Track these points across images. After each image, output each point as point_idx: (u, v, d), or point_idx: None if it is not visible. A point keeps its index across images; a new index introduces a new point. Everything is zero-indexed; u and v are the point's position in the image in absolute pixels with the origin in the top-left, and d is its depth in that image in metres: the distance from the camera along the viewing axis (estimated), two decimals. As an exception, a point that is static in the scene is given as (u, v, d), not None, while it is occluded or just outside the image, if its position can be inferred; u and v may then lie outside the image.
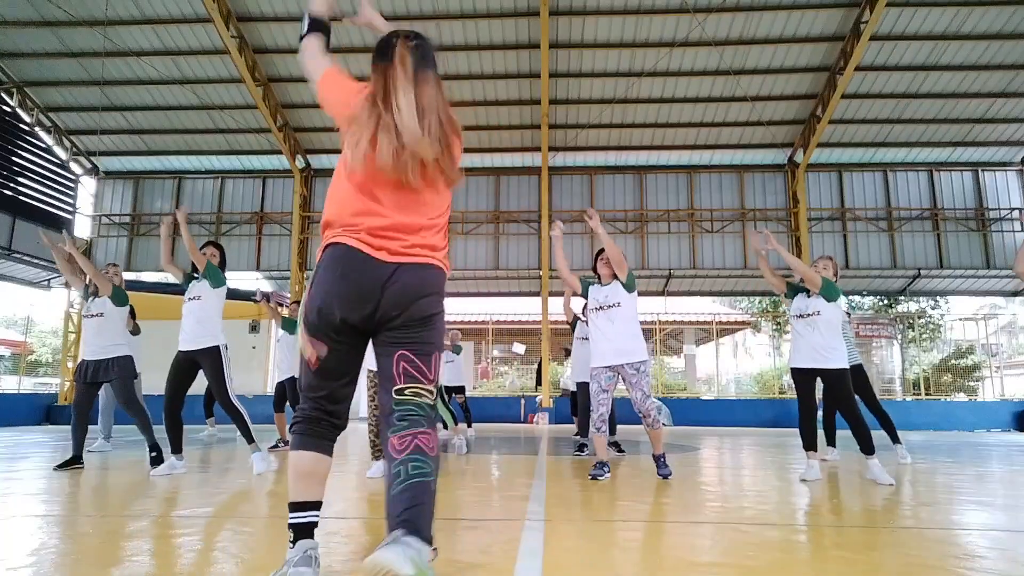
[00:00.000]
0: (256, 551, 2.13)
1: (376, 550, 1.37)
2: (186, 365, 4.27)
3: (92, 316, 4.57)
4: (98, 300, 4.63)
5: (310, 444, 1.71)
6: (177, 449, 4.23)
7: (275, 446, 6.17)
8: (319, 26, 1.98)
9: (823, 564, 2.04)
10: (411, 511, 1.51)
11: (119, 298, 4.62)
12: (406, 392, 1.67)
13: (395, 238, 1.69)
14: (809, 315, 4.19)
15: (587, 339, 6.04)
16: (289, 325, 6.78)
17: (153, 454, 4.40)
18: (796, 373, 4.31)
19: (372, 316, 1.68)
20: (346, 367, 1.74)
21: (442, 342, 1.77)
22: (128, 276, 14.38)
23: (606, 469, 4.09)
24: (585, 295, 4.44)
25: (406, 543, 1.40)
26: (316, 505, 1.71)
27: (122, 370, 4.52)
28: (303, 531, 1.68)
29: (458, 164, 1.80)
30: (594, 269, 4.45)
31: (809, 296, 4.26)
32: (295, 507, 1.68)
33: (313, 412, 1.72)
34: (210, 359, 4.22)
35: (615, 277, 4.27)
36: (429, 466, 1.59)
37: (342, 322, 1.67)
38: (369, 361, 4.23)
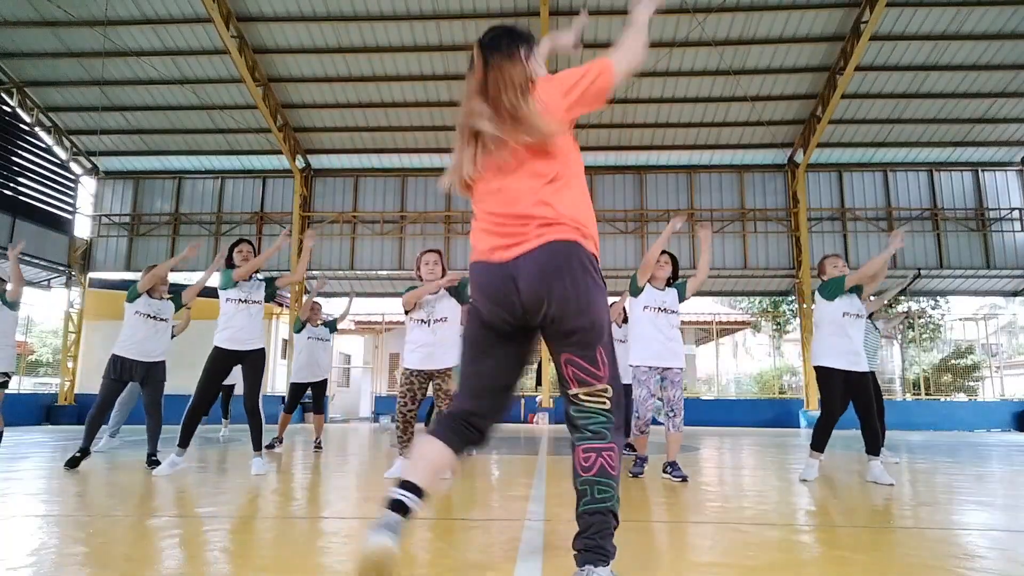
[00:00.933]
0: (258, 551, 2.13)
1: None
2: (230, 363, 4.29)
3: (157, 319, 4.62)
4: (163, 305, 4.69)
5: (444, 436, 1.71)
6: (185, 444, 4.21)
7: (270, 445, 6.14)
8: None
9: (823, 564, 2.04)
10: (598, 536, 1.54)
11: (179, 306, 4.82)
12: (580, 397, 1.64)
13: (500, 229, 1.69)
14: (859, 316, 4.10)
15: (622, 341, 6.04)
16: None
17: (153, 457, 4.47)
18: (834, 374, 4.06)
19: (519, 319, 1.68)
20: (492, 372, 1.75)
21: (605, 327, 1.66)
22: (129, 276, 14.42)
23: (644, 465, 4.32)
24: (636, 294, 4.30)
25: None
26: (419, 492, 1.64)
27: (160, 375, 4.64)
28: (396, 505, 1.61)
29: (543, 119, 1.68)
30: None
31: (852, 294, 4.13)
32: (403, 484, 1.63)
33: (456, 410, 1.75)
34: (259, 359, 4.31)
35: (669, 284, 4.32)
36: (613, 489, 1.59)
37: (489, 330, 1.72)
38: (408, 359, 4.21)
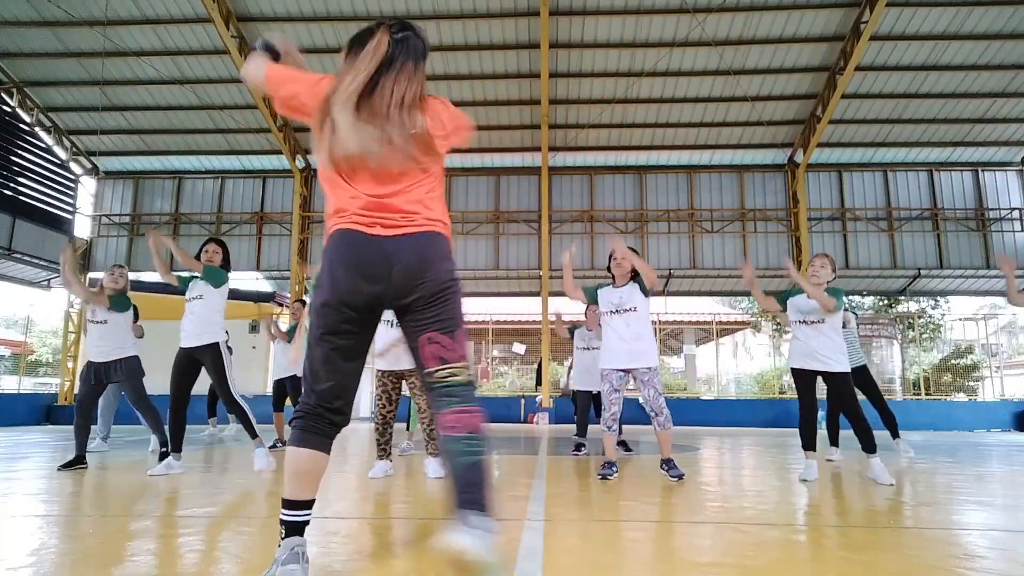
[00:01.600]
0: (256, 551, 2.13)
1: (448, 533, 1.45)
2: (187, 362, 4.30)
3: (97, 322, 4.60)
4: (100, 306, 4.65)
5: (309, 441, 1.71)
6: (177, 448, 4.24)
7: (273, 446, 6.16)
8: (269, 49, 1.87)
9: (823, 564, 2.04)
10: (473, 490, 1.58)
11: (120, 305, 4.65)
12: (438, 374, 1.68)
13: (385, 213, 1.69)
14: (815, 322, 4.18)
15: (587, 349, 6.11)
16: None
17: (164, 450, 4.39)
18: (797, 373, 4.30)
19: (380, 296, 1.68)
20: (354, 356, 1.74)
21: (463, 314, 1.74)
22: (129, 276, 14.38)
23: (614, 468, 4.14)
24: (595, 301, 4.37)
25: (473, 527, 1.47)
26: (309, 504, 1.72)
27: (130, 370, 4.60)
28: (294, 528, 1.69)
29: (439, 144, 1.77)
30: (608, 269, 4.40)
31: (810, 298, 4.23)
32: (289, 504, 1.69)
33: (316, 408, 1.72)
34: (211, 355, 4.28)
35: (632, 279, 4.24)
36: (482, 444, 1.64)
37: (346, 307, 1.68)
38: (378, 362, 4.25)
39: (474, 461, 1.59)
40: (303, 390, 1.76)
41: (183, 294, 4.45)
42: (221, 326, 4.37)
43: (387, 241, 1.67)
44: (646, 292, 4.17)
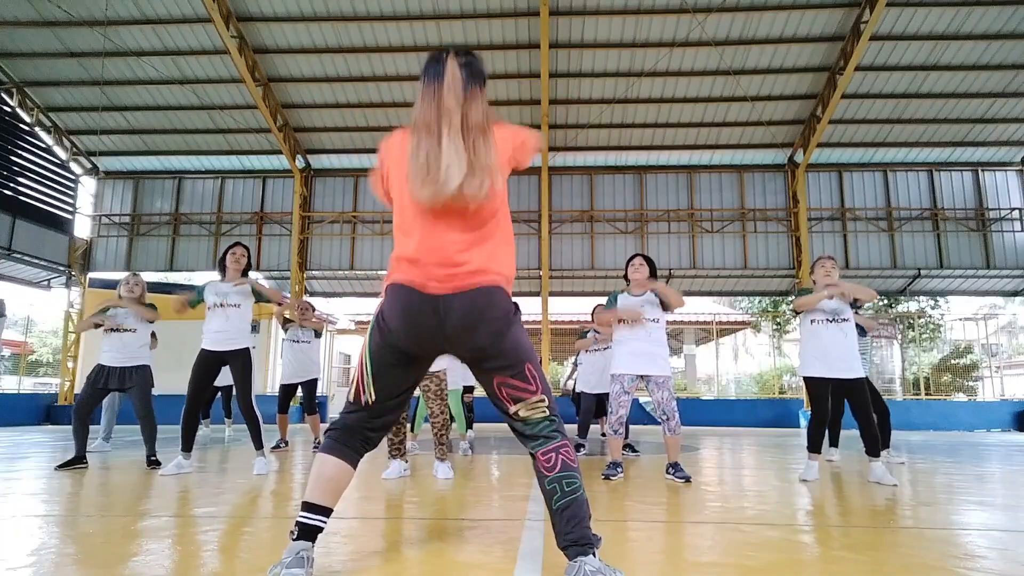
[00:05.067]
0: (257, 551, 2.13)
1: None
2: (213, 365, 4.32)
3: (124, 330, 4.64)
4: (126, 314, 4.70)
5: (340, 452, 1.75)
6: (187, 448, 4.24)
7: (276, 446, 6.16)
8: None
9: (823, 564, 2.04)
10: (578, 527, 1.64)
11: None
12: (520, 414, 1.71)
13: (436, 267, 1.69)
14: (845, 320, 4.06)
15: (599, 351, 6.07)
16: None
17: (152, 458, 4.50)
18: (812, 382, 4.12)
19: (439, 349, 1.73)
20: (400, 389, 1.78)
21: (528, 347, 1.77)
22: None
23: (619, 470, 4.14)
24: (614, 307, 4.36)
25: (592, 571, 1.54)
26: (327, 512, 1.74)
27: (143, 380, 4.64)
28: (306, 532, 1.71)
29: (509, 166, 1.81)
30: (625, 277, 4.42)
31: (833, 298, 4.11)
32: (307, 506, 1.72)
33: (355, 424, 1.76)
34: (241, 360, 4.32)
35: (651, 290, 4.26)
36: (578, 479, 1.69)
37: (404, 352, 1.73)
38: None
39: (574, 498, 1.65)
40: (345, 404, 1.80)
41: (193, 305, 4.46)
42: (249, 332, 4.45)
43: (439, 300, 1.68)
44: (666, 307, 4.21)
